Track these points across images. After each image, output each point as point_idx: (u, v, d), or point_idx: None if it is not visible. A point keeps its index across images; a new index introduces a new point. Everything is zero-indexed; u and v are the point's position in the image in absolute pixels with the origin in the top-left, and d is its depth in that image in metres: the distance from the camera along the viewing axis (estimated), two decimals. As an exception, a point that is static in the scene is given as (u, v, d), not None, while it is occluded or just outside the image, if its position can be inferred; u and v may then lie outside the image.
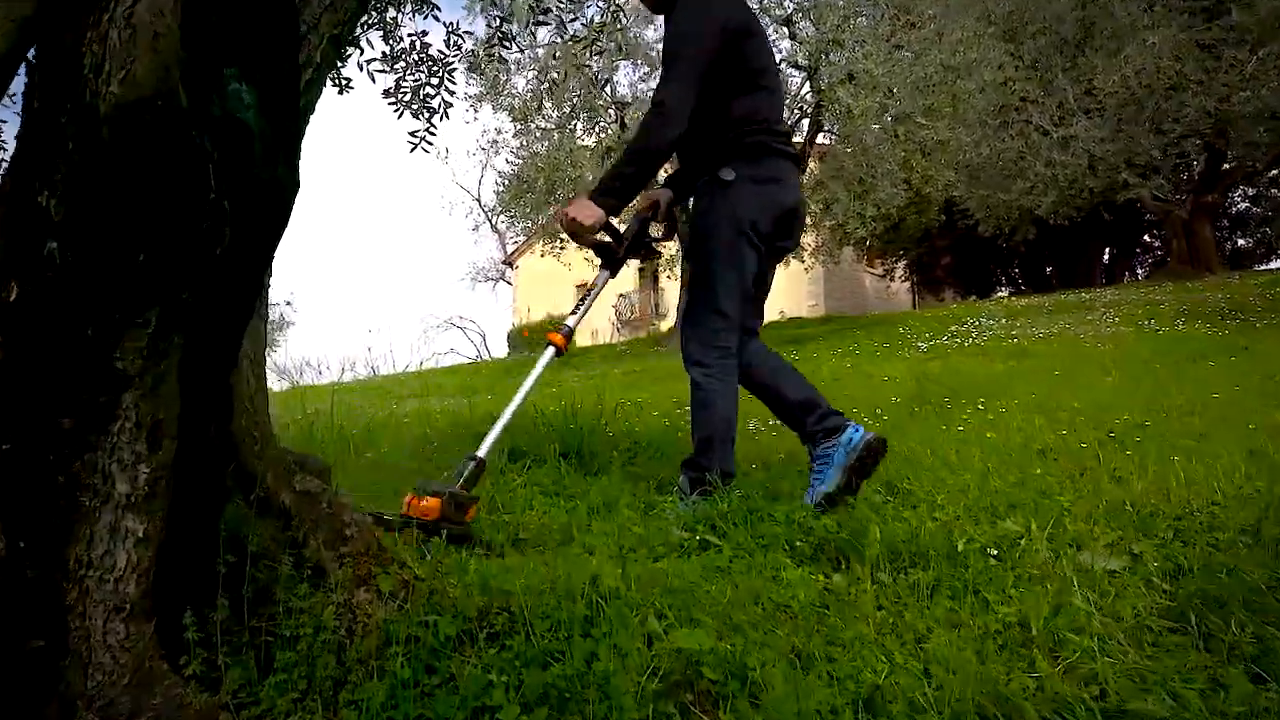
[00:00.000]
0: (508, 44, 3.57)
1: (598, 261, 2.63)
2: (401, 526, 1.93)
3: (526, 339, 28.21)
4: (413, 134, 3.60)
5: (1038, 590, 1.83)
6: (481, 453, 2.22)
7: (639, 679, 1.47)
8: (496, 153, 13.36)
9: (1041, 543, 2.12)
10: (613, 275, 2.59)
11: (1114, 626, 1.65)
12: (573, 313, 2.48)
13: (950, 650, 1.53)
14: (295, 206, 1.21)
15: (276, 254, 1.92)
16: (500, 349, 30.29)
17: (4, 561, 1.13)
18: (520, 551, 2.25)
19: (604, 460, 3.18)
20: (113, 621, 1.18)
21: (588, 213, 2.35)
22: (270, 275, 1.90)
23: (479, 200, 33.13)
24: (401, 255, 60.51)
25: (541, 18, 3.53)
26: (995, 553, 2.02)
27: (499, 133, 12.98)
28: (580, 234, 2.39)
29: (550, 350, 2.38)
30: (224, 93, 0.97)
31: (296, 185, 1.18)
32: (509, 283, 35.92)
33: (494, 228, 33.92)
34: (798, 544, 2.12)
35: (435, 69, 3.71)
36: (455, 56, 3.75)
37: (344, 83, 3.79)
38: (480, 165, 34.51)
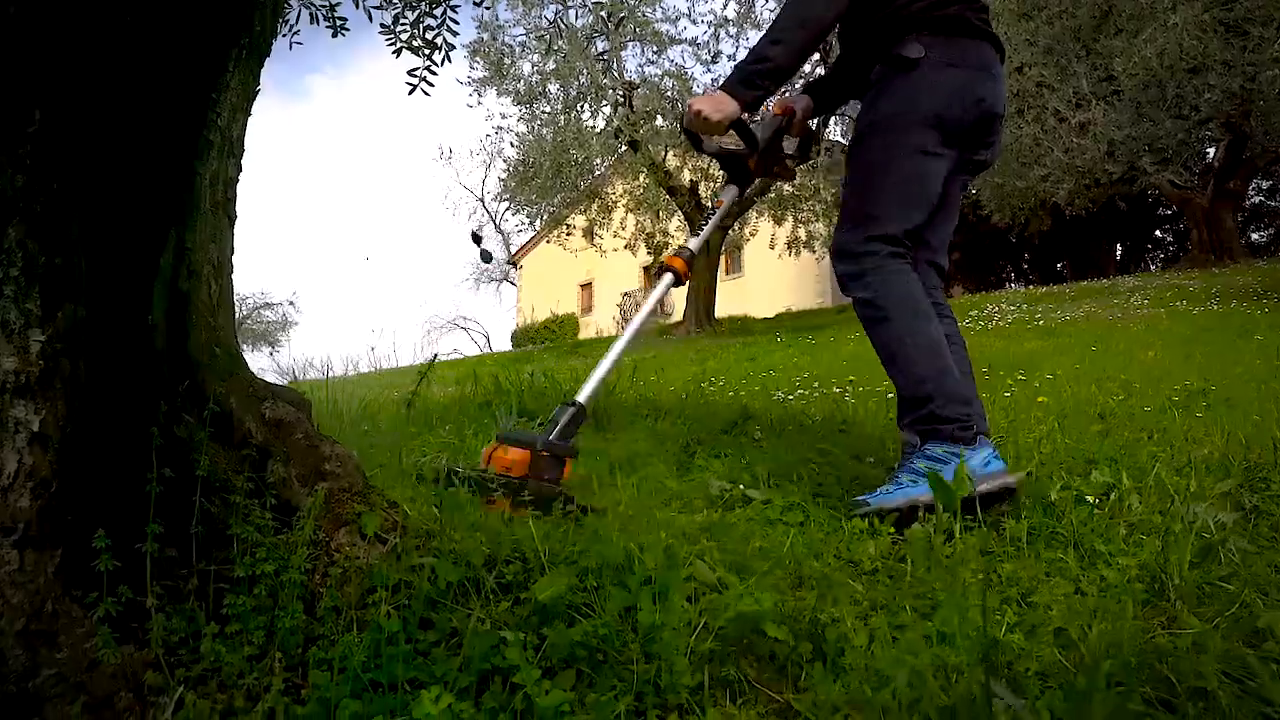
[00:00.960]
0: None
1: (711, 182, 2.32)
2: (479, 485, 1.56)
3: (530, 336, 28.00)
4: (411, 72, 3.30)
5: (1153, 542, 1.53)
6: (581, 398, 1.79)
7: (689, 637, 1.17)
8: (500, 150, 13.06)
9: (1136, 496, 1.81)
10: (742, 191, 2.12)
11: (1264, 577, 1.35)
12: (694, 235, 2.09)
13: (1073, 603, 1.23)
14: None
15: (248, 131, 1.62)
16: (504, 350, 30.02)
17: None
18: (527, 508, 1.95)
19: (622, 423, 2.88)
20: (1, 548, 0.89)
21: (716, 104, 1.88)
22: (238, 168, 1.59)
23: (482, 200, 32.86)
24: (405, 256, 60.26)
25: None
26: (1095, 501, 1.72)
27: (504, 117, 12.69)
28: (707, 132, 1.95)
29: (668, 277, 1.97)
30: None
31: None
32: (513, 283, 35.69)
33: (498, 227, 33.67)
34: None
35: (436, 3, 3.42)
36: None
37: (339, 23, 3.52)
38: (484, 165, 34.19)
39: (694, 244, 2.06)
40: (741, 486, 1.86)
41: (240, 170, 1.62)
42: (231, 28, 0.89)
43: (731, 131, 1.96)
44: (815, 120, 2.18)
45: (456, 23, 3.55)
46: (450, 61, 3.55)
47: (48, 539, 0.91)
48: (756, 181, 2.22)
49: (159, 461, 1.07)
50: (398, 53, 3.41)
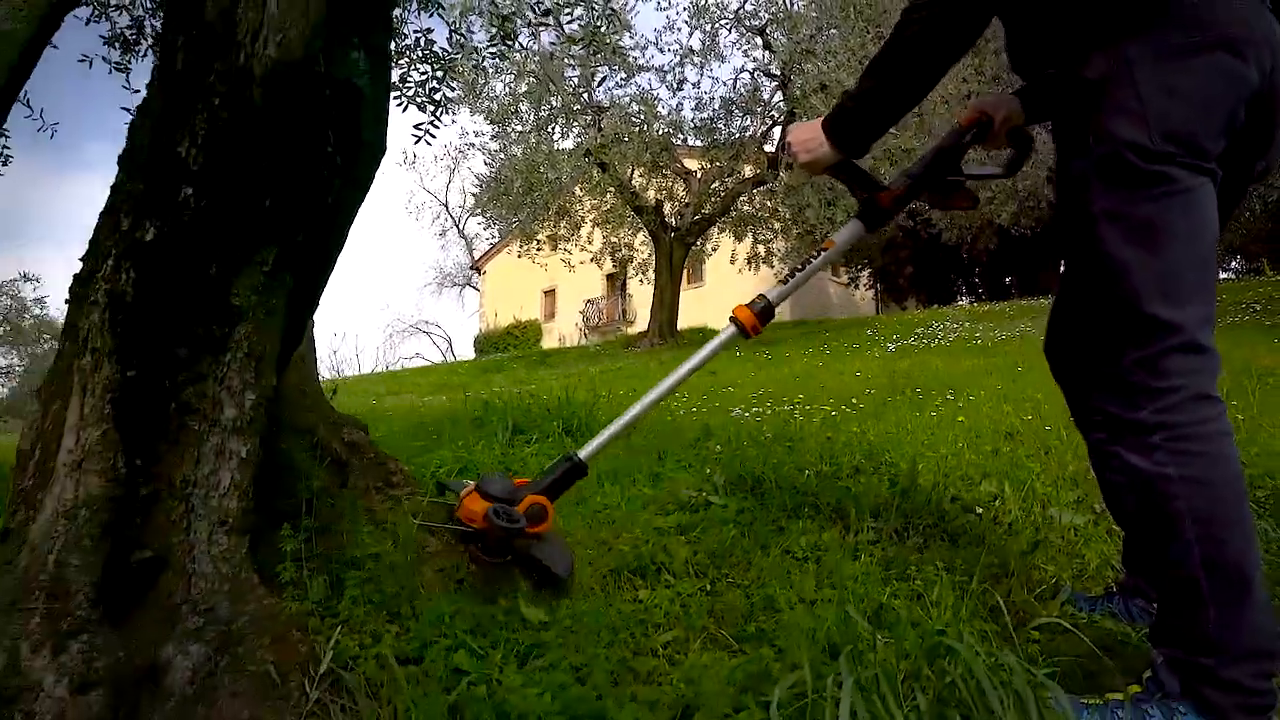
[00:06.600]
0: (510, 43, 3.73)
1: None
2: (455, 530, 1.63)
3: (493, 342, 28.32)
4: (417, 127, 3.75)
5: (1011, 540, 2.04)
6: (583, 454, 1.74)
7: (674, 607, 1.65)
8: (464, 156, 13.50)
9: (1014, 502, 2.33)
10: (870, 229, 1.72)
11: (1081, 563, 1.87)
12: (782, 282, 1.76)
13: (941, 581, 1.73)
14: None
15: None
16: (467, 355, 30.27)
17: (122, 479, 1.27)
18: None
19: (601, 438, 3.35)
20: (216, 534, 1.33)
21: (806, 144, 1.58)
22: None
23: (446, 205, 33.18)
24: (367, 259, 59.99)
25: (543, 19, 3.69)
26: (979, 511, 2.23)
27: (476, 135, 13.17)
28: (802, 169, 1.63)
29: (731, 329, 1.72)
30: (346, 60, 1.13)
31: (384, 148, 1.34)
32: (475, 288, 35.97)
33: (461, 233, 33.97)
34: (799, 501, 2.32)
35: (439, 65, 3.86)
36: (457, 55, 3.90)
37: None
38: (448, 170, 34.58)
39: (773, 295, 1.73)
40: (704, 493, 2.34)
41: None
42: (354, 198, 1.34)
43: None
44: (1032, 125, 1.65)
45: (455, 77, 4.00)
46: (450, 112, 4.01)
47: (243, 530, 1.35)
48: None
49: (298, 477, 1.52)
50: (404, 108, 3.85)
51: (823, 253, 1.73)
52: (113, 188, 1.27)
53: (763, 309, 1.71)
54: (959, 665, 1.16)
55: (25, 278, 24.12)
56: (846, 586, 1.68)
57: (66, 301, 1.37)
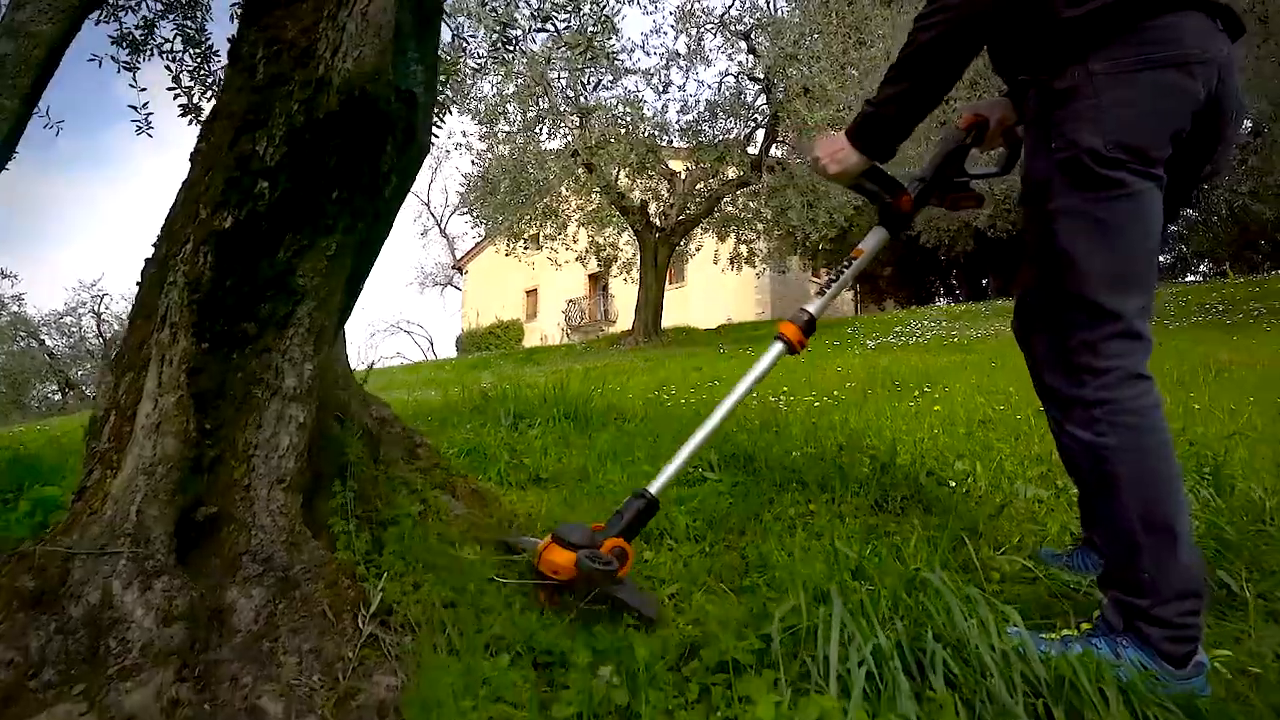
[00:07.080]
0: (510, 48, 3.89)
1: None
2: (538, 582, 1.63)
3: (475, 342, 28.39)
4: (420, 126, 3.89)
5: (980, 508, 2.24)
6: (654, 489, 1.68)
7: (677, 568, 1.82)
8: (447, 156, 13.67)
9: (985, 478, 2.53)
10: (894, 235, 1.78)
11: (1043, 530, 2.07)
12: (819, 293, 1.80)
13: (916, 535, 1.92)
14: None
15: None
16: (448, 354, 30.32)
17: (194, 441, 1.43)
18: (542, 488, 2.59)
19: (598, 425, 3.52)
20: (274, 491, 1.49)
21: (835, 154, 1.63)
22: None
23: (427, 204, 33.22)
24: (347, 258, 59.53)
25: (541, 25, 3.85)
26: (952, 484, 2.43)
27: (465, 134, 13.34)
28: (830, 181, 1.71)
29: (777, 346, 1.74)
30: (408, 71, 1.30)
31: (430, 147, 1.51)
32: (457, 288, 36.00)
33: (443, 232, 34.02)
34: (788, 478, 2.50)
35: (441, 69, 4.01)
36: (460, 58, 4.06)
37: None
38: (430, 169, 34.64)
39: (814, 307, 1.77)
40: (700, 469, 2.53)
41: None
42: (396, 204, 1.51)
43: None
44: (1021, 125, 1.70)
45: (457, 79, 4.16)
46: (452, 113, 4.16)
47: (299, 488, 1.52)
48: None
49: (335, 447, 1.68)
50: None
51: (853, 261, 1.79)
52: (187, 182, 1.43)
53: (806, 322, 1.75)
54: (933, 596, 1.35)
55: (3, 274, 23.85)
56: (834, 543, 1.87)
57: (137, 283, 1.53)
